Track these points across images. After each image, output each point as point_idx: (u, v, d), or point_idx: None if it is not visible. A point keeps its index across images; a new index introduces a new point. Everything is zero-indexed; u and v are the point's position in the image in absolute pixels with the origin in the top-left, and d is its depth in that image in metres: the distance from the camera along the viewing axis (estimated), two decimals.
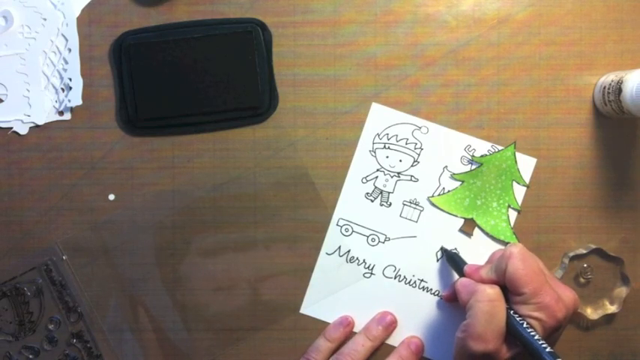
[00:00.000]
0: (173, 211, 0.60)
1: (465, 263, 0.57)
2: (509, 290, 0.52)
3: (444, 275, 0.60)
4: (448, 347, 0.59)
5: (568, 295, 0.52)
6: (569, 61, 0.60)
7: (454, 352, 0.53)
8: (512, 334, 0.50)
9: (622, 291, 0.59)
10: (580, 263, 0.59)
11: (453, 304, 0.59)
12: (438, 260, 0.60)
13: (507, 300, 0.52)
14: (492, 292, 0.51)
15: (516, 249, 0.52)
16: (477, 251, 0.59)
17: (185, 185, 0.60)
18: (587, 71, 0.60)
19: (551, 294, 0.51)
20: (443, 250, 0.59)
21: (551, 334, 0.51)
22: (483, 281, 0.53)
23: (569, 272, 0.59)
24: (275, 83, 0.60)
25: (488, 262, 0.56)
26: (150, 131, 0.60)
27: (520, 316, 0.50)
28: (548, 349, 0.48)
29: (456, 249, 0.59)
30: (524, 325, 0.49)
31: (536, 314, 0.50)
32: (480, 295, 0.51)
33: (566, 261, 0.59)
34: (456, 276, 0.58)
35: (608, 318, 0.59)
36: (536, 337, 0.48)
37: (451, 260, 0.58)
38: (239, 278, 0.60)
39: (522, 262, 0.51)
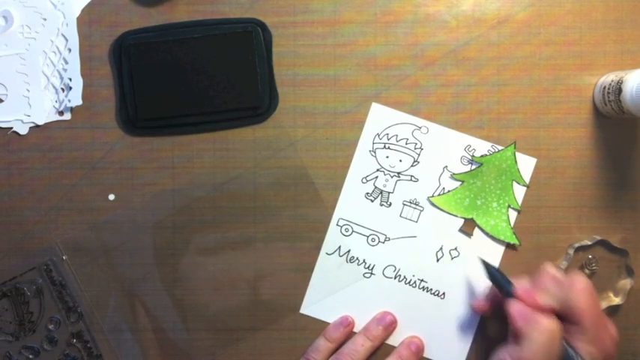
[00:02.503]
0: (173, 211, 0.60)
1: (509, 282, 0.55)
2: (566, 319, 0.52)
3: (444, 275, 0.60)
4: (448, 347, 0.59)
5: (614, 329, 0.54)
6: (569, 61, 0.60)
7: None
8: None
9: (626, 283, 0.59)
10: (585, 254, 0.59)
11: (458, 306, 0.59)
12: (438, 260, 0.60)
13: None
14: (555, 327, 0.51)
15: (584, 283, 0.52)
16: (477, 251, 0.59)
17: (185, 185, 0.60)
18: (587, 71, 0.60)
19: (606, 329, 0.52)
20: (484, 263, 0.57)
21: None
22: (540, 308, 0.53)
23: (574, 263, 0.59)
24: (275, 83, 0.60)
25: (539, 284, 0.54)
26: (150, 131, 0.60)
27: (573, 348, 0.51)
28: None
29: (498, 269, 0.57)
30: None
31: (588, 347, 0.51)
32: (542, 327, 0.51)
33: (571, 252, 0.59)
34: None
35: (612, 310, 0.59)
36: None
37: (493, 277, 0.56)
38: (239, 278, 0.60)
39: (591, 298, 0.52)
